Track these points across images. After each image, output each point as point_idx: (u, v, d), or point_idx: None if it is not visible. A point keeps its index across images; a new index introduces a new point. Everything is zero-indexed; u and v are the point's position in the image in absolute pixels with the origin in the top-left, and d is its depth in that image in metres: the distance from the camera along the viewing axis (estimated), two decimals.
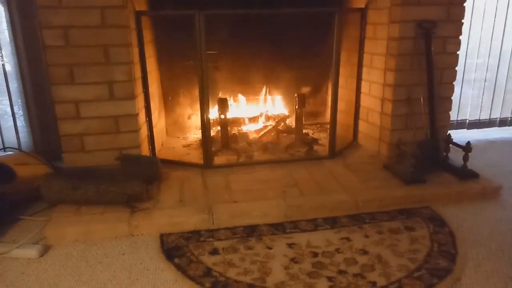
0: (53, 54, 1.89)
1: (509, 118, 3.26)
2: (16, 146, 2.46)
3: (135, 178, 1.85)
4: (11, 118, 2.45)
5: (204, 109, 2.13)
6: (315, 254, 1.55)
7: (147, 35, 2.29)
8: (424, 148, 2.10)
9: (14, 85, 2.40)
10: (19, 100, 2.43)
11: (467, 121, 3.18)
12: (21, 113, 2.46)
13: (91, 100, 1.97)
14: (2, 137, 2.47)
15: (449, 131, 2.28)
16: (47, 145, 2.50)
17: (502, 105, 3.21)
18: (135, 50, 2.08)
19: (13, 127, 2.46)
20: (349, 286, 1.37)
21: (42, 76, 2.38)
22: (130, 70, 1.97)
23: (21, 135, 2.49)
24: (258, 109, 2.86)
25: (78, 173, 1.92)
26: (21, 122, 2.47)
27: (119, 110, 2.01)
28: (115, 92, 1.98)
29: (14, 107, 2.43)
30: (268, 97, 2.90)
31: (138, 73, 2.11)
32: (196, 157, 2.39)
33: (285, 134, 2.65)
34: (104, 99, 1.98)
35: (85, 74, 1.93)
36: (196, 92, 2.15)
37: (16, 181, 1.87)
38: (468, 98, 3.13)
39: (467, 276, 1.43)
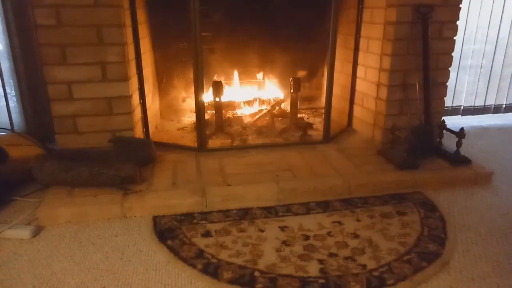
0: (45, 34, 1.85)
1: (504, 105, 3.27)
2: (8, 127, 2.44)
3: (129, 161, 1.84)
4: (3, 98, 2.42)
5: (198, 92, 2.12)
6: (307, 237, 1.57)
7: (141, 16, 2.25)
8: (418, 134, 2.10)
9: (5, 65, 2.36)
10: (11, 81, 2.40)
11: (462, 107, 3.19)
12: (13, 94, 2.43)
13: (84, 81, 1.94)
14: None
15: (444, 117, 2.28)
16: (39, 126, 2.48)
17: (497, 92, 3.21)
18: (129, 31, 2.04)
19: (5, 107, 2.44)
20: (339, 269, 1.39)
21: (34, 56, 2.35)
22: (124, 51, 1.95)
23: (13, 115, 2.46)
24: (253, 93, 2.84)
25: (71, 155, 1.91)
26: (13, 102, 2.44)
27: (112, 92, 1.99)
28: (108, 73, 1.96)
29: (6, 87, 2.40)
30: (263, 80, 2.88)
31: (131, 54, 2.09)
32: (190, 140, 2.38)
33: (279, 118, 2.65)
34: (97, 80, 1.95)
35: (77, 54, 1.90)
36: (191, 75, 2.13)
37: (8, 162, 1.86)
38: (463, 85, 3.12)
39: (456, 260, 1.45)
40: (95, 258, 1.45)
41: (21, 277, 1.35)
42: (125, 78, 1.99)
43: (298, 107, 2.55)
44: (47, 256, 1.45)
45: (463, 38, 2.96)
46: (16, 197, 1.86)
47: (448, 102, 3.06)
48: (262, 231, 1.61)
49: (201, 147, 2.22)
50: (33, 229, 1.58)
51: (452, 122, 2.45)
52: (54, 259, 1.44)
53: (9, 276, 1.35)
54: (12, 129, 2.43)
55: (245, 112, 2.70)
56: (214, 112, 2.40)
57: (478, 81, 3.15)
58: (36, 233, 1.59)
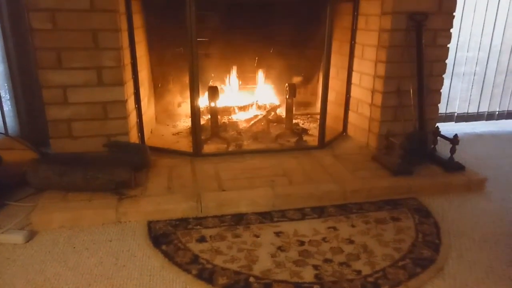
0: (40, 38, 1.85)
1: (497, 112, 3.30)
2: (2, 131, 2.42)
3: (123, 165, 1.84)
4: None
5: (194, 97, 2.12)
6: (302, 243, 1.57)
7: (137, 20, 2.25)
8: (412, 140, 2.11)
9: (0, 68, 2.35)
10: (5, 84, 2.39)
11: (456, 114, 3.21)
12: (8, 97, 2.41)
13: (79, 85, 1.94)
14: None
15: (437, 124, 2.30)
16: (34, 130, 2.46)
17: (490, 99, 3.24)
18: (125, 35, 2.05)
19: None
20: (334, 274, 1.39)
21: (29, 60, 2.34)
22: (119, 56, 1.95)
23: (7, 119, 2.44)
24: (249, 98, 2.85)
25: (66, 159, 1.90)
26: (7, 106, 2.43)
27: (108, 96, 1.98)
28: (104, 78, 1.95)
29: (0, 91, 2.39)
30: (259, 86, 2.89)
31: (127, 59, 2.09)
32: (185, 145, 2.38)
33: (275, 124, 2.65)
34: (93, 84, 1.95)
35: (73, 58, 1.90)
36: (187, 80, 2.13)
37: (2, 166, 1.85)
38: (457, 92, 3.15)
39: (450, 266, 1.45)
40: (89, 263, 1.44)
41: (14, 282, 1.34)
42: (121, 83, 1.98)
43: (294, 112, 2.56)
44: (41, 261, 1.44)
45: (457, 45, 2.99)
46: (10, 201, 1.84)
47: (442, 109, 3.08)
48: (257, 236, 1.61)
49: (197, 152, 2.22)
50: (26, 234, 1.57)
51: (446, 128, 2.47)
52: (48, 264, 1.43)
53: (2, 282, 1.34)
54: (6, 133, 2.41)
55: (241, 118, 2.70)
56: (209, 117, 2.40)
57: (472, 88, 3.18)
58: (30, 238, 1.57)
